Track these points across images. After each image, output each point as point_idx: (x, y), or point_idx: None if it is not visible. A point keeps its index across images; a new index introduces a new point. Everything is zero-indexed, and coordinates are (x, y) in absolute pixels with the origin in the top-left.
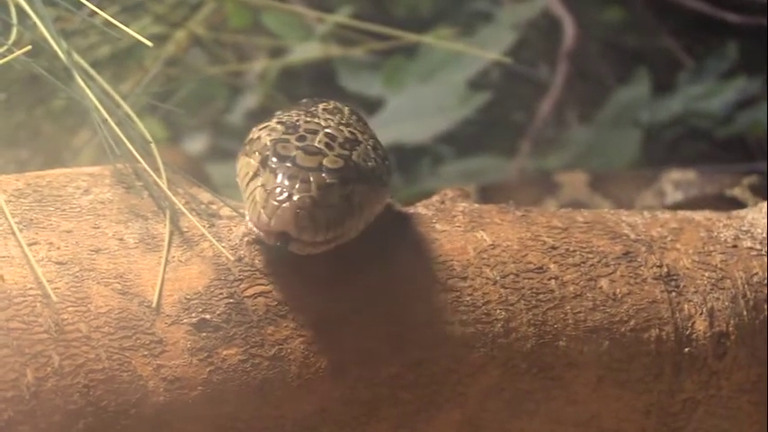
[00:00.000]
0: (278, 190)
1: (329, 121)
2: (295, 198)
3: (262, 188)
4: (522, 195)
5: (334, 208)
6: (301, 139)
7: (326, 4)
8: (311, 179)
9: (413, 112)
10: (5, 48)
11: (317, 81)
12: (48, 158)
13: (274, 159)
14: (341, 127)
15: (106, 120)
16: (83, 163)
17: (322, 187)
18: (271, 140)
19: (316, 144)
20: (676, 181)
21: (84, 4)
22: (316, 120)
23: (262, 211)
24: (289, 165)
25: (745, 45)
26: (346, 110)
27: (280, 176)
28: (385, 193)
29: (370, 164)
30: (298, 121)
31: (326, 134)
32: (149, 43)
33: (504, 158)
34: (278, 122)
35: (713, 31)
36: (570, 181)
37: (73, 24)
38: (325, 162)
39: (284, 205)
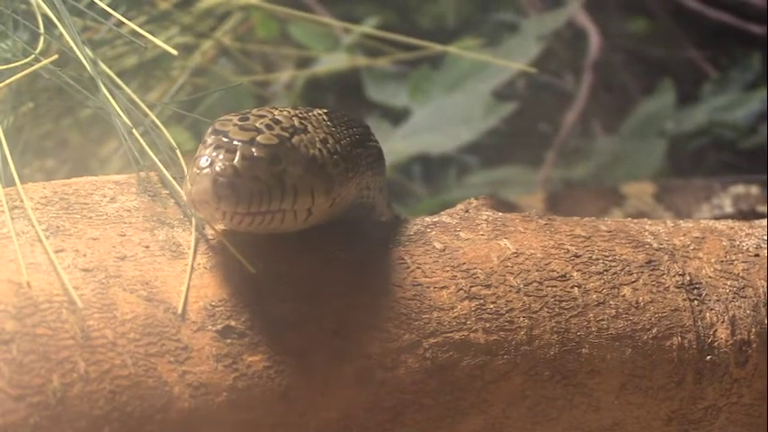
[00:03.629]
0: (203, 159)
1: (284, 112)
2: (217, 166)
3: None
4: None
5: (260, 182)
6: (243, 119)
7: (353, 15)
8: (237, 150)
9: (439, 122)
10: (32, 57)
11: (343, 91)
12: (75, 167)
13: (210, 133)
14: (294, 118)
15: (131, 129)
16: (110, 172)
17: (247, 158)
18: (217, 121)
19: (256, 124)
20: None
21: (112, 14)
22: (273, 110)
23: (188, 180)
24: (220, 137)
25: None
26: (321, 111)
27: (208, 147)
28: (329, 186)
29: (312, 151)
30: (255, 109)
31: (272, 119)
32: (175, 52)
33: (530, 169)
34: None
35: (738, 43)
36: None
37: (100, 34)
38: (258, 138)
39: (205, 171)
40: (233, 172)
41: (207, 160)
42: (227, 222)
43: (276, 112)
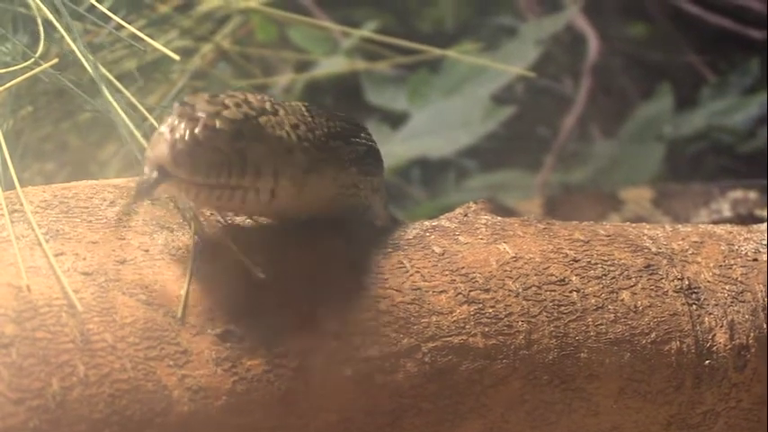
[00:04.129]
0: (165, 127)
1: (258, 97)
2: (177, 133)
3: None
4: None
5: (220, 154)
6: (214, 96)
7: (352, 19)
8: (200, 120)
9: (437, 125)
10: (33, 60)
11: (342, 95)
12: (74, 171)
13: (178, 105)
14: (267, 102)
15: (133, 132)
16: (109, 175)
17: (209, 129)
18: (187, 95)
19: (225, 101)
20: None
21: (112, 18)
22: (247, 94)
23: (148, 146)
24: (186, 108)
25: None
26: (300, 103)
27: (173, 116)
28: (295, 170)
29: (279, 133)
30: (229, 91)
31: (243, 100)
32: (175, 56)
33: (528, 173)
34: None
35: (736, 47)
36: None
37: (100, 38)
38: (224, 112)
39: (166, 137)
40: (192, 140)
41: (169, 127)
42: (186, 194)
43: (250, 96)
